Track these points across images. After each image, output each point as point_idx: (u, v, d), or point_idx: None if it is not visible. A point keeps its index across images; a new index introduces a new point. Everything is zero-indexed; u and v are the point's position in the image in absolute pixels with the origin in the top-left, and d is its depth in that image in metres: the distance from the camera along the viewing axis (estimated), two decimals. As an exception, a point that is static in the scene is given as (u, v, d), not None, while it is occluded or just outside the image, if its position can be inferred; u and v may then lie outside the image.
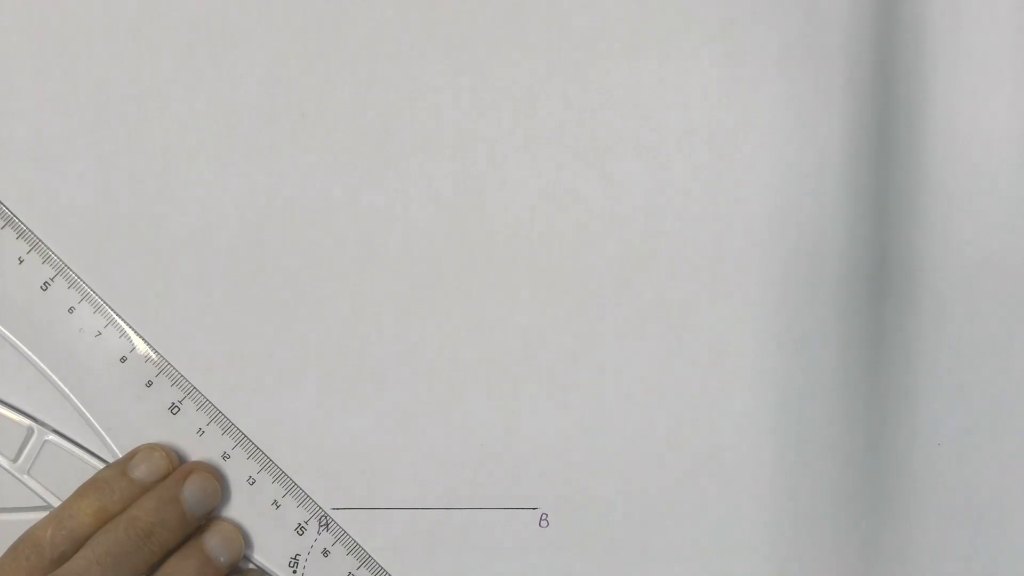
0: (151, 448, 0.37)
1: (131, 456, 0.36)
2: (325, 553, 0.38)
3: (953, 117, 0.39)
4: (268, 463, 0.38)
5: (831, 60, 0.39)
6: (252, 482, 0.38)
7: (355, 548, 0.38)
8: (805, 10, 0.39)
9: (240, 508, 0.38)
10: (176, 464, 0.37)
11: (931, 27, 0.39)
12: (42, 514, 0.35)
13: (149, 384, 0.37)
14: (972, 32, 0.39)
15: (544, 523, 0.38)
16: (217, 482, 0.37)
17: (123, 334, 0.38)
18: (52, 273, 0.37)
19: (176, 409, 0.38)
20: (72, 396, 0.37)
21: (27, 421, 0.37)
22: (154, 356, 0.38)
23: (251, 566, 0.38)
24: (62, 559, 0.34)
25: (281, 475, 0.38)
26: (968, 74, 0.39)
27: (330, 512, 0.38)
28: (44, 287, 0.37)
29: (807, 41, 0.39)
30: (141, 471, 0.36)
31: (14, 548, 0.34)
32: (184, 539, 0.36)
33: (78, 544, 0.34)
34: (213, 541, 0.36)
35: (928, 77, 0.39)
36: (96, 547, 0.34)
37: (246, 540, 0.38)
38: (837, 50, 0.39)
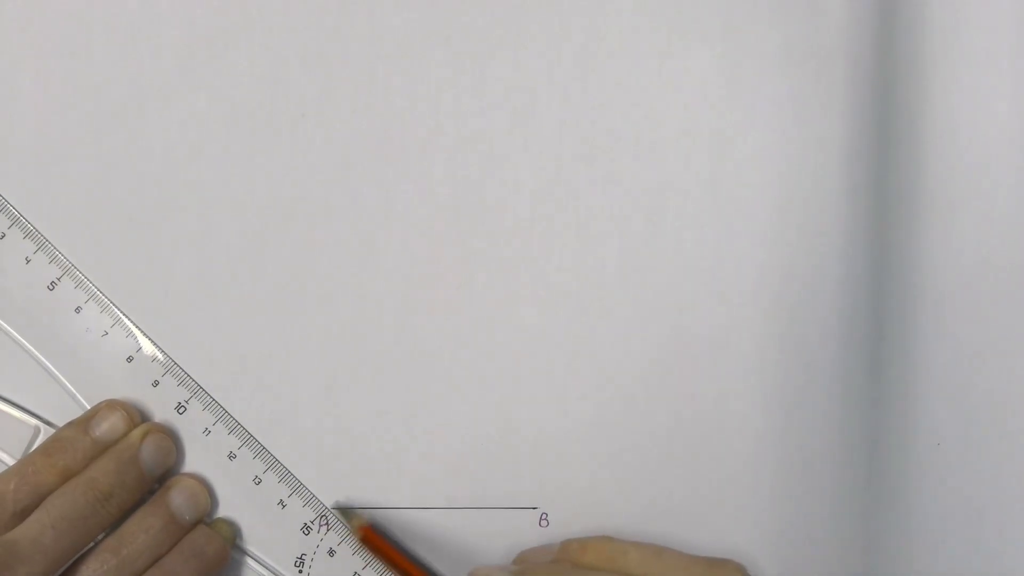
0: (112, 406, 0.38)
1: (92, 414, 0.37)
2: (331, 552, 0.39)
3: (953, 117, 0.41)
4: (274, 462, 0.39)
5: (831, 60, 0.40)
6: (258, 482, 0.39)
7: (361, 548, 0.38)
8: (805, 10, 0.40)
9: (245, 507, 0.39)
10: (137, 422, 0.38)
11: (931, 27, 0.41)
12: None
13: (155, 384, 0.39)
14: (972, 32, 0.41)
15: (544, 523, 0.39)
16: (172, 441, 0.38)
17: (129, 334, 0.39)
18: (59, 273, 0.38)
19: (182, 409, 0.39)
20: (78, 395, 0.38)
21: (33, 420, 0.38)
22: (160, 356, 0.39)
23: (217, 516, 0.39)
24: (23, 514, 0.35)
25: (287, 474, 0.39)
26: (968, 74, 0.41)
27: (333, 510, 0.39)
28: (51, 287, 0.38)
29: (807, 41, 0.40)
30: (102, 430, 0.37)
31: None
32: (141, 499, 0.37)
33: (40, 499, 0.35)
34: (178, 499, 0.37)
35: (928, 77, 0.41)
36: (52, 510, 0.35)
37: (254, 539, 0.39)
38: (837, 50, 0.40)
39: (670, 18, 0.40)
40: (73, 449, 0.37)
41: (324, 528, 0.39)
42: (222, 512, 0.39)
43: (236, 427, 0.39)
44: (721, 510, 0.40)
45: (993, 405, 0.41)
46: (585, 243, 0.40)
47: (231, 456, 0.39)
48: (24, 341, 0.39)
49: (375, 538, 0.38)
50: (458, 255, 0.40)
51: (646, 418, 0.40)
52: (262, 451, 0.39)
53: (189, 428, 0.39)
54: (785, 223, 0.40)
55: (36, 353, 0.39)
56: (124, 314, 0.39)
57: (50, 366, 0.39)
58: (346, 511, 0.39)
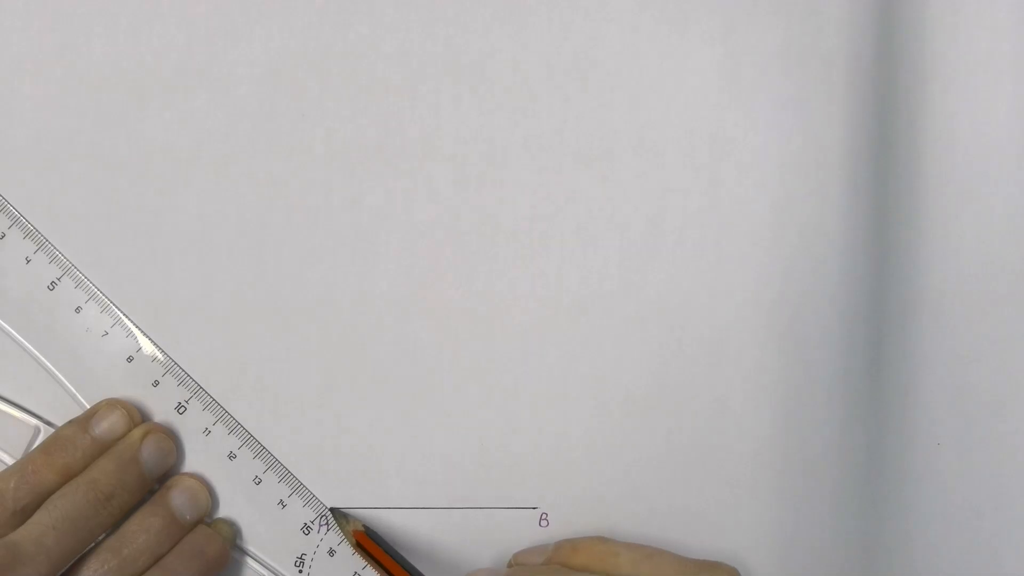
0: (112, 405, 0.38)
1: (92, 413, 0.38)
2: (331, 552, 0.39)
3: (953, 117, 0.41)
4: (274, 462, 0.39)
5: (831, 60, 0.41)
6: (258, 482, 0.39)
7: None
8: (805, 10, 0.41)
9: (246, 507, 0.39)
10: (137, 421, 0.38)
11: (931, 27, 0.41)
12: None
13: (156, 384, 0.39)
14: (972, 32, 0.41)
15: (544, 523, 0.40)
16: (172, 441, 0.38)
17: (129, 334, 0.39)
18: (59, 273, 0.39)
19: (183, 409, 0.39)
20: (78, 395, 0.38)
21: (33, 420, 0.39)
22: (160, 356, 0.39)
23: (217, 516, 0.39)
24: (23, 512, 0.35)
25: (287, 474, 0.39)
26: (968, 74, 0.41)
27: (329, 512, 0.39)
28: (51, 287, 0.39)
29: (807, 41, 0.41)
30: (102, 428, 0.37)
31: None
32: (141, 499, 0.37)
33: (40, 498, 0.36)
34: (179, 499, 0.38)
35: (928, 77, 0.41)
36: (53, 511, 0.35)
37: (254, 539, 0.39)
38: (837, 50, 0.41)
39: (670, 18, 0.41)
40: (73, 447, 0.37)
41: (324, 528, 0.39)
42: (222, 512, 0.39)
43: (236, 427, 0.39)
44: (721, 510, 0.40)
45: (993, 405, 0.41)
46: (585, 244, 0.40)
47: (231, 456, 0.39)
48: (24, 341, 0.39)
49: (367, 543, 0.38)
50: (458, 256, 0.40)
51: (646, 418, 0.40)
52: (262, 451, 0.39)
53: (189, 428, 0.39)
54: (785, 223, 0.41)
55: (36, 353, 0.39)
56: (124, 314, 0.39)
57: (50, 366, 0.39)
58: (341, 514, 0.39)
